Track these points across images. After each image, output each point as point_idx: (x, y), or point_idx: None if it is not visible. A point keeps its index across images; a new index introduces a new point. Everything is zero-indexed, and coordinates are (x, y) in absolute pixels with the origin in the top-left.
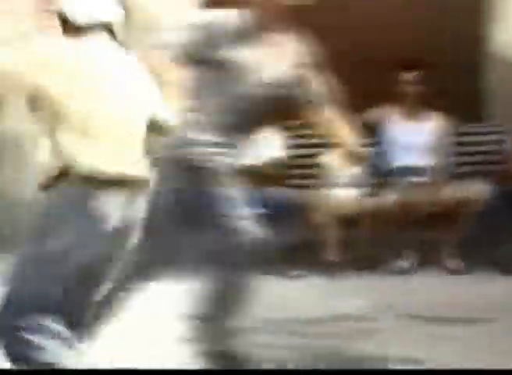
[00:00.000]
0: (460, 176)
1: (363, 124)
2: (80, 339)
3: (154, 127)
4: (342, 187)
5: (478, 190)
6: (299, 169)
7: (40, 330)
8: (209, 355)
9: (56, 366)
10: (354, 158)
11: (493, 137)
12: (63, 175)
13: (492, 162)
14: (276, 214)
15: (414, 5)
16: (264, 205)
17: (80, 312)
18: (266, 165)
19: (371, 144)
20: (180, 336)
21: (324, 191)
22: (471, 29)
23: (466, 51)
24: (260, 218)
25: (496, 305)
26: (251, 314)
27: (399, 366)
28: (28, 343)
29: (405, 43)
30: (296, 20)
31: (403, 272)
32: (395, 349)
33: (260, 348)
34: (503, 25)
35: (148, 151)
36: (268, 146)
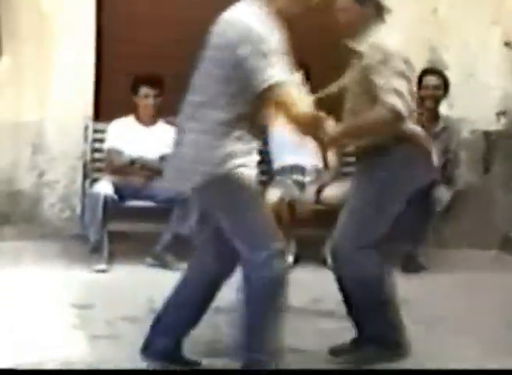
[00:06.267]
0: (345, 176)
1: None
2: None
3: None
4: None
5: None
6: None
7: None
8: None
9: None
10: None
11: None
12: None
13: None
14: (165, 207)
15: None
16: (152, 199)
17: None
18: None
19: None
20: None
21: None
22: None
23: None
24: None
25: None
26: (142, 305)
27: None
28: None
29: None
30: None
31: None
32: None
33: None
34: None
35: None
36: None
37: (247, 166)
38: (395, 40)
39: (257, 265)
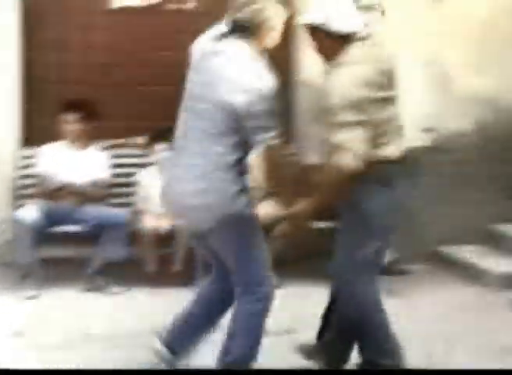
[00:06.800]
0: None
1: None
2: None
3: None
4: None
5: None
6: (119, 188)
7: None
8: None
9: None
10: None
11: None
12: None
13: None
14: (95, 232)
15: None
16: (83, 223)
17: None
18: (90, 184)
19: None
20: None
21: (141, 210)
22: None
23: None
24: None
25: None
26: (74, 329)
27: None
28: None
29: None
30: None
31: None
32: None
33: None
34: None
35: None
36: (94, 165)
37: (251, 203)
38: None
39: (252, 301)
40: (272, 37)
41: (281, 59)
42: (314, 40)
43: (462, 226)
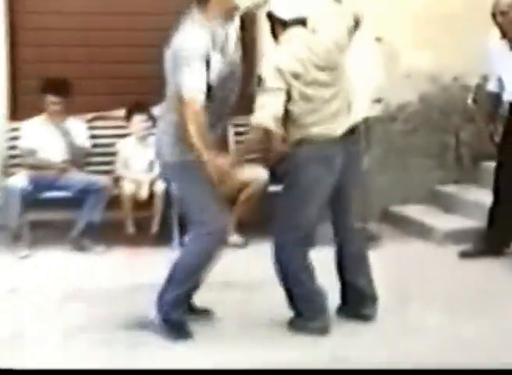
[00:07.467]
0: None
1: None
2: None
3: None
4: (138, 172)
5: (256, 174)
6: (99, 157)
7: None
8: None
9: None
10: None
11: None
12: None
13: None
14: (78, 197)
15: None
16: (67, 189)
17: None
18: (71, 152)
19: None
20: None
21: (121, 177)
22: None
23: None
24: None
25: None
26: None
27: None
28: None
29: None
30: None
31: None
32: None
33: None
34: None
35: None
36: (74, 135)
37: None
38: (281, 55)
39: (191, 241)
40: (224, 3)
41: (249, 42)
42: (269, 23)
43: (410, 188)
